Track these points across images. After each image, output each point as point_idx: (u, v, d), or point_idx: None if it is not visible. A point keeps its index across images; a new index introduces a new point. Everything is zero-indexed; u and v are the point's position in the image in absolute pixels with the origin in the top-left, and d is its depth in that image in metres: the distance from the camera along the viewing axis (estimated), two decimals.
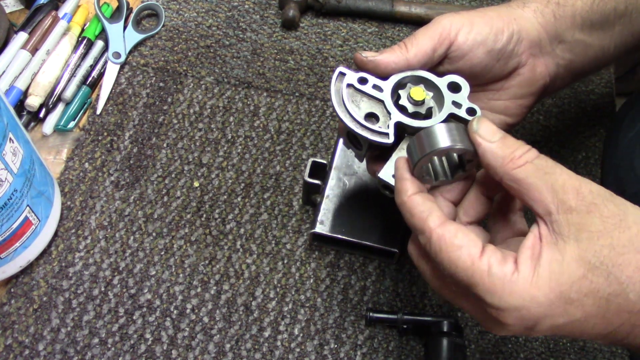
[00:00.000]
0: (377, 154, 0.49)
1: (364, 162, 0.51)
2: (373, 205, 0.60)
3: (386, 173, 0.45)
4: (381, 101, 0.47)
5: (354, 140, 0.49)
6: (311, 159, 0.61)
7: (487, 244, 0.38)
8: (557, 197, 0.36)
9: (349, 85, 0.47)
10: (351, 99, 0.47)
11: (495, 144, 0.39)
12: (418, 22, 0.79)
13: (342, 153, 0.62)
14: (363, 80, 0.47)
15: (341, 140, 0.63)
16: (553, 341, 0.60)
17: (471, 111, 0.46)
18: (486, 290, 0.36)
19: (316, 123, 0.70)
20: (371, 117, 0.46)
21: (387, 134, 0.45)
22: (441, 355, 0.55)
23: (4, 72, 0.66)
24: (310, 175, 0.60)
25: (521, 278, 0.36)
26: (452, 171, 0.44)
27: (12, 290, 0.58)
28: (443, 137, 0.41)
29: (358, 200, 0.60)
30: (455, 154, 0.43)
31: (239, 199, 0.65)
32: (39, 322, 0.57)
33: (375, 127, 0.45)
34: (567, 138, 0.72)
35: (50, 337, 0.56)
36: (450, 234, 0.38)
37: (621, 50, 0.55)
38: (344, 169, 0.61)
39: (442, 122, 0.45)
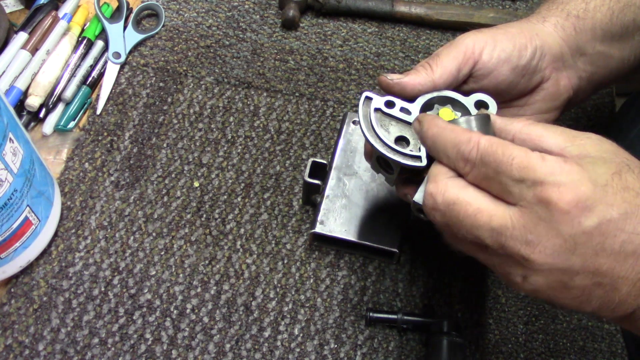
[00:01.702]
0: (407, 176, 0.48)
1: (370, 165, 0.51)
2: (373, 205, 0.60)
3: (420, 197, 0.43)
4: (410, 124, 0.46)
5: (384, 165, 0.49)
6: (311, 159, 0.61)
7: None
8: (561, 135, 0.39)
9: (377, 110, 0.46)
10: (380, 124, 0.46)
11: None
12: (418, 22, 0.79)
13: (342, 153, 0.62)
14: (390, 104, 0.47)
15: (341, 141, 0.63)
16: (553, 341, 0.60)
17: None
18: (544, 172, 0.36)
19: (316, 123, 0.70)
20: (401, 140, 0.46)
21: (419, 157, 0.44)
22: (441, 355, 0.55)
23: (4, 72, 0.66)
24: (310, 175, 0.60)
25: (574, 162, 0.36)
26: None
27: (12, 290, 0.58)
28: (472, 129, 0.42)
29: (358, 200, 0.60)
30: None
31: (239, 199, 0.65)
32: (39, 322, 0.57)
33: (406, 150, 0.45)
34: None
35: (50, 337, 0.56)
36: (463, 184, 0.39)
37: None
38: (344, 169, 0.61)
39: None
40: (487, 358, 0.59)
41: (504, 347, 0.59)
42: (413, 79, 0.47)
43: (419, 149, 0.45)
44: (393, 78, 0.47)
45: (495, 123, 0.42)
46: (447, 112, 0.46)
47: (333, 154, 0.62)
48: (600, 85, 0.56)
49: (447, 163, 0.40)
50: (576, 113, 0.74)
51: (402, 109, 0.47)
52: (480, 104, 0.47)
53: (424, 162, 0.44)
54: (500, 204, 0.38)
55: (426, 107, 0.47)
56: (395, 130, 0.46)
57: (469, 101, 0.47)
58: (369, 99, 0.47)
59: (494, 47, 0.48)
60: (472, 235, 0.38)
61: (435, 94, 0.47)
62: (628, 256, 0.35)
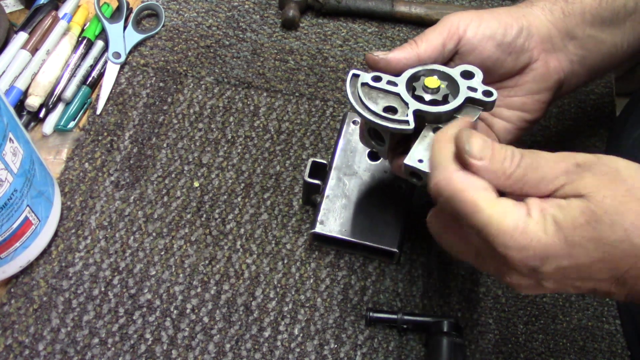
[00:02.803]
0: (400, 151, 0.50)
1: (374, 163, 0.52)
2: (373, 205, 0.60)
3: (411, 158, 0.44)
4: (397, 94, 0.48)
5: (375, 137, 0.50)
6: (311, 159, 0.61)
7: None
8: (550, 186, 0.38)
9: (364, 84, 0.48)
10: (368, 97, 0.48)
11: (486, 162, 0.39)
12: (418, 22, 0.79)
13: (342, 153, 0.62)
14: (377, 78, 0.48)
15: (341, 141, 0.63)
16: (553, 341, 0.60)
17: (488, 93, 0.47)
18: (500, 231, 0.37)
19: (316, 123, 0.70)
20: (389, 110, 0.47)
21: (407, 121, 0.46)
22: (441, 355, 0.55)
23: (4, 72, 0.66)
24: (310, 175, 0.60)
25: (532, 221, 0.36)
26: None
27: (12, 290, 0.58)
28: None
29: (358, 200, 0.60)
30: None
31: (239, 199, 0.65)
32: (39, 322, 0.57)
33: (395, 117, 0.46)
34: (567, 138, 0.72)
35: (50, 337, 0.56)
36: (471, 177, 0.38)
37: (635, 47, 0.55)
38: (344, 169, 0.61)
39: (456, 107, 0.46)
40: (487, 358, 0.59)
41: (504, 347, 0.59)
42: (398, 54, 0.48)
43: (407, 115, 0.46)
44: (379, 54, 0.49)
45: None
46: (432, 80, 0.47)
47: (333, 154, 0.62)
48: (595, 71, 0.56)
49: None
50: (576, 113, 0.74)
51: (389, 82, 0.48)
52: (466, 74, 0.48)
53: (412, 126, 0.46)
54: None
55: (412, 79, 0.49)
56: (383, 102, 0.48)
57: (454, 72, 0.48)
58: (356, 76, 0.49)
59: (479, 24, 0.49)
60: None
61: (420, 68, 0.49)
62: (601, 282, 0.38)
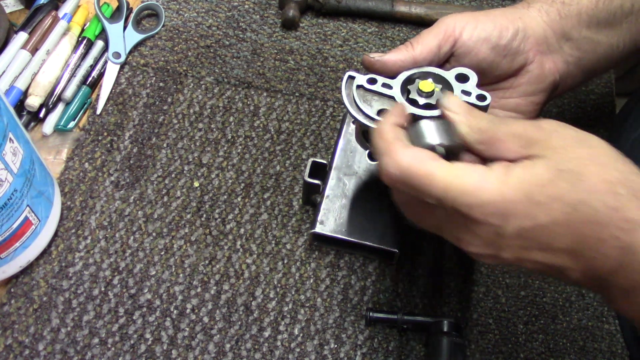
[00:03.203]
0: None
1: (374, 163, 0.52)
2: (373, 205, 0.60)
3: None
4: (392, 97, 0.48)
5: (370, 139, 0.50)
6: (311, 159, 0.61)
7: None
8: (521, 141, 0.38)
9: (359, 87, 0.48)
10: (362, 99, 0.48)
11: (461, 116, 0.41)
12: (418, 22, 0.79)
13: (342, 153, 0.62)
14: (372, 81, 0.48)
15: (341, 141, 0.63)
16: (553, 341, 0.60)
17: (481, 97, 0.47)
18: (461, 191, 0.37)
19: (316, 123, 0.70)
20: (383, 113, 0.47)
21: None
22: (441, 355, 0.55)
23: (4, 72, 0.66)
24: (310, 175, 0.60)
25: (492, 176, 0.37)
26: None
27: (12, 290, 0.58)
28: (431, 133, 0.42)
29: (358, 200, 0.60)
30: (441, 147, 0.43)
31: (239, 199, 0.65)
32: (39, 322, 0.57)
33: None
34: None
35: (50, 337, 0.56)
36: (418, 151, 0.39)
37: (631, 48, 0.55)
38: (344, 169, 0.61)
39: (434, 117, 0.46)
40: (487, 358, 0.59)
41: (504, 347, 0.59)
42: (394, 56, 0.49)
43: None
44: (374, 56, 0.49)
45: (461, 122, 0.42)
46: (427, 84, 0.47)
47: (333, 154, 0.62)
48: (591, 72, 0.56)
49: None
50: (576, 113, 0.74)
51: (384, 85, 0.48)
52: (461, 77, 0.48)
53: None
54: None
55: (407, 82, 0.49)
56: (378, 104, 0.48)
57: (449, 75, 0.48)
58: (351, 77, 0.49)
59: (475, 26, 0.49)
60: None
61: (416, 70, 0.49)
62: (559, 252, 0.37)
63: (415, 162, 0.38)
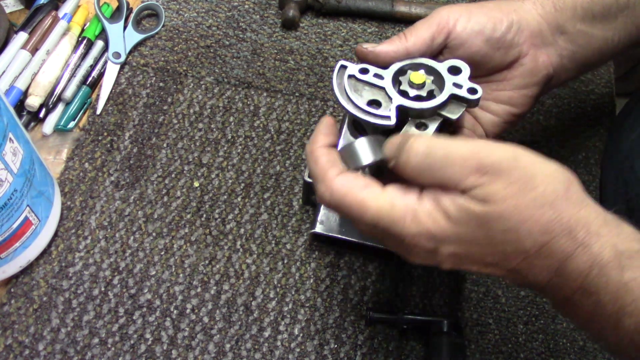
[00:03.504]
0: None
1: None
2: None
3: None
4: (382, 88, 0.48)
5: (359, 129, 0.51)
6: None
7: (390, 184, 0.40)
8: (458, 187, 0.38)
9: (351, 76, 0.48)
10: (353, 89, 0.48)
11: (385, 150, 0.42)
12: None
13: None
14: (364, 71, 0.48)
15: (341, 141, 0.63)
16: (553, 341, 0.60)
17: (472, 91, 0.47)
18: (392, 222, 0.39)
19: (316, 123, 0.70)
20: (374, 103, 0.47)
21: (389, 117, 0.46)
22: (441, 355, 0.55)
23: (4, 72, 0.66)
24: (310, 176, 0.60)
25: (423, 210, 0.38)
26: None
27: (12, 290, 0.58)
28: (365, 153, 0.42)
29: None
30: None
31: (239, 199, 0.65)
32: (39, 322, 0.57)
33: (377, 112, 0.47)
34: (567, 138, 0.72)
35: (50, 337, 0.56)
36: (351, 178, 0.40)
37: (626, 42, 0.55)
38: None
39: (440, 104, 0.46)
40: (487, 358, 0.59)
41: (504, 347, 0.59)
42: (387, 47, 0.49)
43: (389, 110, 0.46)
44: (368, 47, 0.49)
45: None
46: (418, 75, 0.48)
47: None
48: (585, 66, 0.56)
49: None
50: (576, 113, 0.74)
51: (376, 75, 0.48)
52: (453, 69, 0.48)
53: (393, 121, 0.46)
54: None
55: (399, 73, 0.49)
56: (369, 95, 0.48)
57: (442, 67, 0.48)
58: (343, 67, 0.49)
59: (469, 18, 0.49)
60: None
61: (408, 61, 0.49)
62: (488, 266, 0.39)
63: (347, 192, 0.40)
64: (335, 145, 0.44)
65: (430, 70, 0.49)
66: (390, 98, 0.47)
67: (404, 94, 0.47)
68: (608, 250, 0.36)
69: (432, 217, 0.38)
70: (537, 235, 0.37)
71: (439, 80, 0.48)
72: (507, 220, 0.37)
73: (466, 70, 0.48)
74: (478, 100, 0.47)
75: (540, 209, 0.37)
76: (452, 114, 0.47)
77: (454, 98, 0.47)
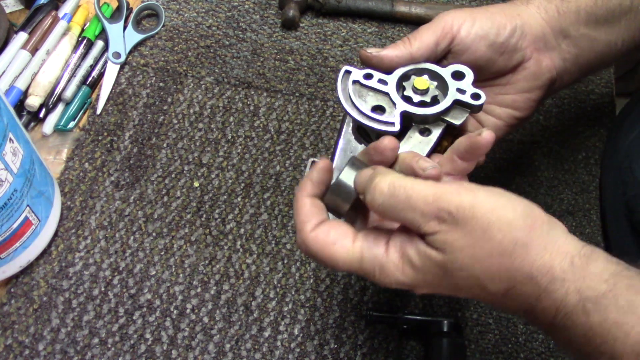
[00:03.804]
0: None
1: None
2: None
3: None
4: (387, 94, 0.48)
5: (363, 135, 0.51)
6: (311, 159, 0.61)
7: (360, 231, 0.42)
8: (420, 229, 0.38)
9: (355, 82, 0.48)
10: (358, 95, 0.48)
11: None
12: (418, 22, 0.79)
13: (342, 153, 0.62)
14: (368, 76, 0.48)
15: (341, 141, 0.63)
16: (553, 341, 0.60)
17: (476, 96, 0.47)
18: (364, 273, 0.41)
19: (316, 123, 0.70)
20: (378, 109, 0.48)
21: (393, 123, 0.46)
22: (441, 355, 0.55)
23: (4, 72, 0.66)
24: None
25: (390, 262, 0.40)
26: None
27: (12, 290, 0.58)
28: (346, 191, 0.43)
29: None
30: None
31: (239, 199, 0.65)
32: (39, 322, 0.57)
33: (381, 117, 0.47)
34: (567, 138, 0.72)
35: (50, 337, 0.56)
36: (323, 233, 0.41)
37: (630, 45, 0.55)
38: None
39: (444, 109, 0.46)
40: (487, 358, 0.59)
41: (504, 347, 0.59)
42: (391, 52, 0.49)
43: (393, 115, 0.47)
44: (372, 51, 0.49)
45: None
46: (422, 81, 0.48)
47: (333, 154, 0.62)
48: (588, 69, 0.56)
49: None
50: (576, 113, 0.74)
51: (380, 81, 0.48)
52: (457, 74, 0.48)
53: (397, 128, 0.46)
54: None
55: (403, 79, 0.49)
56: (373, 100, 0.48)
57: (445, 72, 0.48)
58: (348, 72, 0.49)
59: (473, 23, 0.49)
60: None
61: (412, 67, 0.49)
62: (462, 294, 0.41)
63: (319, 247, 0.41)
64: (322, 195, 0.44)
65: (434, 76, 0.49)
66: (394, 104, 0.47)
67: (407, 99, 0.48)
68: (572, 295, 0.36)
69: (399, 269, 0.39)
70: (499, 283, 0.38)
71: (443, 86, 0.48)
72: (466, 269, 0.38)
73: (470, 75, 0.48)
74: (481, 105, 0.47)
75: (499, 258, 0.37)
76: (456, 119, 0.47)
77: (457, 104, 0.47)
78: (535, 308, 0.38)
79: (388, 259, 0.40)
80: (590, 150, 0.71)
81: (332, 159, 0.62)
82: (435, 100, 0.48)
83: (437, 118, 0.47)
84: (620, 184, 0.61)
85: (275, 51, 0.75)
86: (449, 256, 0.38)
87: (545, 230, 0.38)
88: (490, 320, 0.60)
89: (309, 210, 0.43)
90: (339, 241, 0.41)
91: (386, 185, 0.39)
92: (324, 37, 0.77)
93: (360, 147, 0.62)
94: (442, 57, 0.51)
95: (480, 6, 0.52)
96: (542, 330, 0.41)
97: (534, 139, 0.71)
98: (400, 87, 0.49)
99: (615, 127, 0.69)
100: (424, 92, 0.48)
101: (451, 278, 0.38)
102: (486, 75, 0.52)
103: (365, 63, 0.50)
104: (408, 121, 0.47)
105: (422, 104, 0.47)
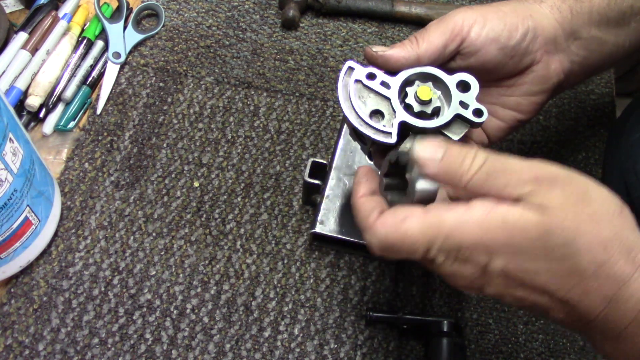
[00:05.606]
0: (383, 148, 0.48)
1: (367, 157, 0.51)
2: None
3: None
4: (388, 98, 0.46)
5: (357, 136, 0.49)
6: (311, 159, 0.61)
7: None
8: (514, 192, 0.36)
9: (357, 81, 0.47)
10: (358, 95, 0.46)
11: (442, 164, 0.39)
12: (418, 22, 0.79)
13: (342, 153, 0.62)
14: (371, 76, 0.47)
15: (341, 141, 0.63)
16: (553, 341, 0.60)
17: (478, 113, 0.45)
18: (444, 240, 0.37)
19: (316, 123, 0.70)
20: (377, 114, 0.46)
21: (390, 134, 0.45)
22: (441, 355, 0.55)
23: (4, 72, 0.66)
24: (310, 175, 0.60)
25: (474, 218, 0.36)
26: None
27: (12, 290, 0.58)
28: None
29: None
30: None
31: (239, 199, 0.65)
32: (39, 322, 0.57)
33: (379, 125, 0.45)
34: (567, 138, 0.72)
35: (50, 337, 0.56)
36: (389, 214, 0.39)
37: (635, 46, 0.54)
38: (344, 169, 0.61)
39: (444, 124, 0.45)
40: (487, 358, 0.59)
41: (504, 347, 0.59)
42: (397, 52, 0.46)
43: (392, 125, 0.45)
44: (377, 50, 0.47)
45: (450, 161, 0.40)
46: (425, 90, 0.46)
47: (333, 154, 0.62)
48: (593, 71, 0.55)
49: None
50: (576, 113, 0.74)
51: (383, 83, 0.46)
52: (462, 85, 0.46)
53: (394, 140, 0.45)
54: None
55: (407, 83, 0.47)
56: (372, 103, 0.46)
57: (451, 80, 0.46)
58: (351, 69, 0.47)
59: (484, 25, 0.47)
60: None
61: (418, 70, 0.47)
62: (543, 293, 0.37)
63: (389, 230, 0.38)
64: (375, 190, 0.43)
65: (438, 82, 0.47)
66: (394, 111, 0.46)
67: (408, 107, 0.46)
68: None
69: (484, 226, 0.36)
70: (596, 252, 0.35)
71: (446, 94, 0.46)
72: (566, 231, 0.35)
73: (475, 87, 0.46)
74: (482, 123, 0.46)
75: (598, 224, 0.35)
76: (454, 134, 0.46)
77: (458, 117, 0.46)
78: (622, 294, 0.35)
79: (472, 216, 0.36)
80: (590, 150, 0.71)
81: (332, 159, 0.62)
82: (435, 111, 0.46)
83: (436, 131, 0.46)
84: (623, 186, 0.61)
85: (275, 51, 0.75)
86: (548, 216, 0.35)
87: (630, 213, 0.37)
88: (490, 320, 0.60)
89: (368, 206, 0.41)
90: (409, 216, 0.37)
91: (481, 158, 0.38)
92: (324, 37, 0.77)
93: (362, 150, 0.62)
94: (450, 59, 0.49)
95: (490, 3, 0.51)
96: (607, 340, 0.37)
97: (534, 139, 0.71)
98: (402, 90, 0.47)
99: (616, 127, 0.69)
100: (426, 102, 0.46)
101: (544, 242, 0.35)
102: (493, 77, 0.51)
103: (369, 61, 0.48)
104: (405, 130, 0.46)
105: (423, 114, 0.46)
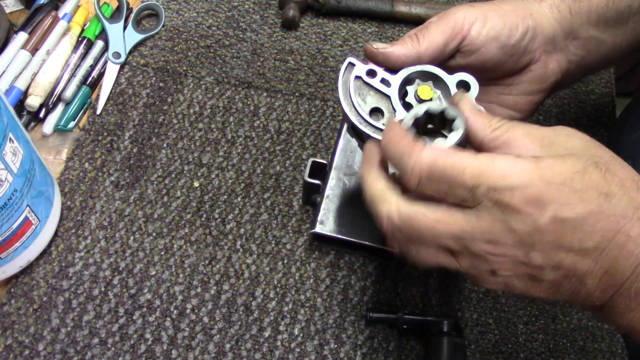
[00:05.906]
0: None
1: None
2: None
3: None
4: (388, 97, 0.46)
5: (355, 133, 0.49)
6: (311, 159, 0.61)
7: None
8: (542, 141, 0.37)
9: (357, 78, 0.47)
10: (358, 92, 0.46)
11: (476, 114, 0.40)
12: (418, 22, 0.78)
13: (342, 153, 0.62)
14: (372, 73, 0.47)
15: (341, 141, 0.63)
16: (553, 341, 0.60)
17: None
18: (495, 176, 0.36)
19: (316, 123, 0.70)
20: (376, 112, 0.46)
21: None
22: (441, 355, 0.55)
23: (4, 72, 0.66)
24: (310, 175, 0.60)
25: (525, 162, 0.36)
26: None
27: (12, 290, 0.58)
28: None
29: (358, 200, 0.60)
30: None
31: (239, 199, 0.65)
32: (39, 322, 0.57)
33: (378, 124, 0.45)
34: None
35: (50, 337, 0.56)
36: (439, 148, 0.38)
37: (633, 46, 0.55)
38: (344, 169, 0.61)
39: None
40: (487, 358, 0.59)
41: (504, 347, 0.59)
42: (398, 49, 0.47)
43: None
44: (378, 47, 0.47)
45: (467, 123, 0.41)
46: (426, 90, 0.46)
47: (333, 154, 0.62)
48: (589, 70, 0.55)
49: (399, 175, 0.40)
50: (576, 113, 0.74)
51: (383, 80, 0.46)
52: (462, 84, 0.47)
53: None
54: (456, 211, 0.38)
55: (407, 82, 0.47)
56: (372, 101, 0.46)
57: (451, 80, 0.47)
58: (352, 65, 0.47)
59: (484, 23, 0.48)
60: (435, 243, 0.39)
61: (418, 68, 0.47)
62: (588, 253, 0.36)
63: (441, 156, 0.37)
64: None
65: (439, 81, 0.47)
66: (394, 110, 0.46)
67: (408, 106, 0.46)
68: None
69: (536, 167, 0.35)
70: (632, 193, 0.36)
71: (446, 94, 0.47)
72: (607, 163, 0.37)
73: (475, 88, 0.46)
74: None
75: (625, 167, 0.37)
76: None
77: None
78: None
79: (521, 159, 0.36)
80: None
81: (332, 159, 0.62)
82: None
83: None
84: None
85: (275, 51, 0.75)
86: (587, 151, 0.37)
87: None
88: (490, 320, 0.60)
89: (407, 141, 0.39)
90: (459, 151, 0.37)
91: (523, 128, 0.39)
92: (324, 37, 0.77)
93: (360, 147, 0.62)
94: (450, 56, 0.49)
95: (490, 1, 0.51)
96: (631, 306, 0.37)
97: None
98: (402, 88, 0.47)
99: (616, 127, 0.69)
100: (427, 102, 0.46)
101: (594, 177, 0.35)
102: (492, 76, 0.51)
103: (370, 58, 0.48)
104: None
105: None
